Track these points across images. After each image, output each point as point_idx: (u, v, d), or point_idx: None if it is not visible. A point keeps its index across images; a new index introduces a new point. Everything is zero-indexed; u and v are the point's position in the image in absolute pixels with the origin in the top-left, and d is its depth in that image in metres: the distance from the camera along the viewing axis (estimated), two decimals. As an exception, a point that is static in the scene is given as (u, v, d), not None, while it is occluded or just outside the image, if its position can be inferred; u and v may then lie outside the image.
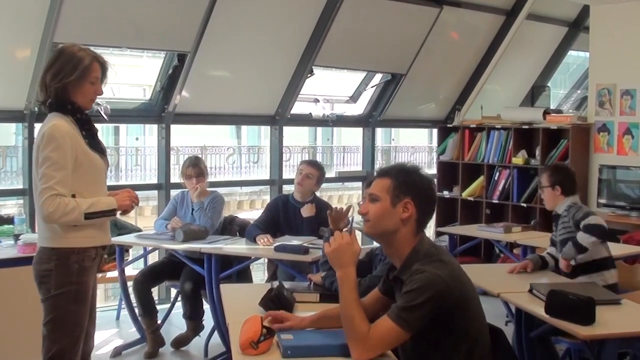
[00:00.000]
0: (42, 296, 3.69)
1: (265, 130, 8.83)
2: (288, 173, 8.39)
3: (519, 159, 8.38)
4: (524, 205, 8.36)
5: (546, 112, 8.40)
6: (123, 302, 6.55)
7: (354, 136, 11.01)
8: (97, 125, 3.92)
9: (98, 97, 3.89)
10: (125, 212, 3.94)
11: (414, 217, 3.00)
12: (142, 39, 6.77)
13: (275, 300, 3.57)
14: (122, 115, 7.41)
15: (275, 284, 3.81)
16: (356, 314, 2.93)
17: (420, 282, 2.85)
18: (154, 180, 8.04)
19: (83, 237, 3.68)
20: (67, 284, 3.64)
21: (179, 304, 6.29)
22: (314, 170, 6.19)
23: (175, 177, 7.26)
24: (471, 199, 8.90)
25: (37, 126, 6.55)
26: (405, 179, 3.04)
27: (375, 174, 3.17)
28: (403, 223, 3.00)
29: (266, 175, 8.63)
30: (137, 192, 3.99)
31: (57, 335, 3.68)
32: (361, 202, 3.14)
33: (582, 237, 4.86)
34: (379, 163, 13.52)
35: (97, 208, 3.66)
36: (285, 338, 3.05)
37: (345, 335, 2.94)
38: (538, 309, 3.95)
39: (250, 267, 6.27)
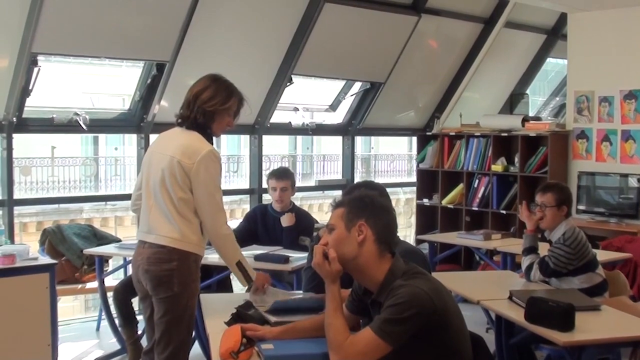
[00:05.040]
0: (162, 294, 3.90)
1: (245, 139, 8.81)
2: (266, 183, 8.39)
3: (498, 166, 8.41)
4: (504, 212, 8.40)
5: (525, 120, 8.44)
6: (103, 313, 6.53)
7: (333, 145, 11.02)
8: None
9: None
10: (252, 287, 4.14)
11: (371, 239, 3.00)
12: (120, 49, 6.74)
13: (239, 320, 3.52)
14: (101, 125, 7.38)
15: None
16: (333, 322, 2.93)
17: (405, 297, 2.84)
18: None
19: (199, 244, 3.99)
20: (189, 282, 3.93)
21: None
22: (287, 183, 6.11)
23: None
24: (451, 206, 8.92)
25: (16, 137, 6.52)
26: (356, 204, 3.07)
27: (331, 206, 3.20)
28: (360, 246, 3.00)
29: (246, 185, 8.61)
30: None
31: (177, 330, 3.94)
32: None
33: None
34: (359, 171, 13.55)
35: (247, 265, 4.06)
36: (266, 348, 3.05)
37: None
38: (518, 315, 3.97)
39: (231, 277, 6.24)
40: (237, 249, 4.01)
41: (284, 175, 6.17)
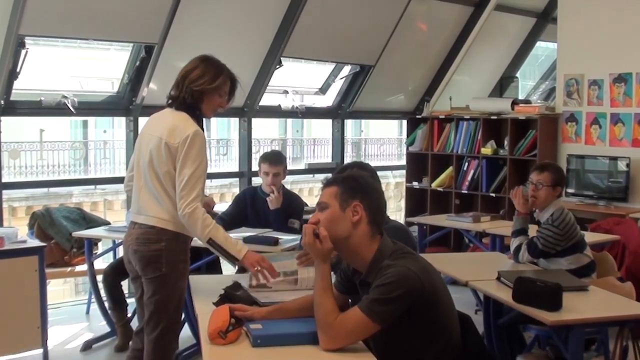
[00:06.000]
0: (151, 274, 3.89)
1: (234, 122, 8.79)
2: (257, 165, 8.40)
3: (487, 150, 8.42)
4: (493, 195, 8.41)
5: (514, 103, 8.45)
6: (93, 296, 6.53)
7: (324, 128, 11.03)
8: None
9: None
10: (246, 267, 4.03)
11: (365, 220, 3.01)
12: (108, 31, 6.70)
13: (227, 301, 3.51)
14: (90, 108, 7.33)
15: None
16: (323, 302, 2.93)
17: (394, 277, 2.86)
18: (123, 174, 7.98)
19: None
20: (177, 262, 3.92)
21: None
22: (280, 168, 6.03)
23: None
24: (440, 189, 8.93)
25: (4, 120, 6.49)
26: (351, 184, 3.07)
27: (322, 184, 3.19)
28: (354, 227, 3.00)
29: (235, 168, 8.59)
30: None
31: (167, 310, 3.93)
32: None
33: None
34: (349, 155, 13.55)
35: (223, 245, 3.85)
36: (255, 327, 3.05)
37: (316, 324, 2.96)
38: (506, 296, 3.97)
39: (220, 259, 6.24)
40: (205, 227, 3.82)
41: (277, 161, 6.08)
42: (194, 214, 3.79)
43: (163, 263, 3.86)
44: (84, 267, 6.53)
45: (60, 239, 6.71)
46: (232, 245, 3.87)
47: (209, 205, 4.34)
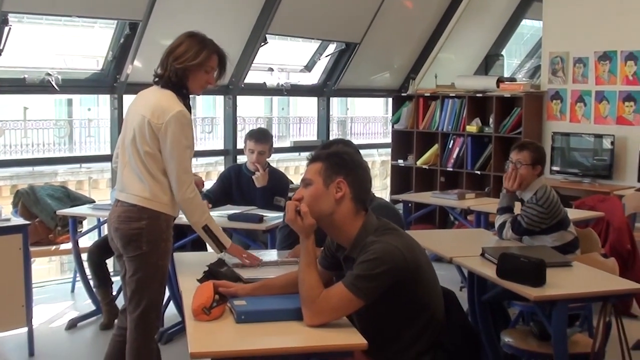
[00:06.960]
0: (132, 253, 3.87)
1: (219, 100, 8.75)
2: (242, 143, 8.39)
3: (472, 127, 8.44)
4: (478, 172, 8.44)
5: (500, 81, 8.46)
6: (78, 274, 6.51)
7: (309, 106, 11.00)
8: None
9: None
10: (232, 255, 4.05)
11: (348, 196, 3.02)
12: (92, 8, 6.65)
13: (211, 278, 3.50)
14: (74, 85, 7.28)
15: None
16: (307, 277, 2.94)
17: (378, 253, 2.87)
18: (108, 152, 7.96)
19: (170, 204, 3.89)
20: (159, 241, 3.88)
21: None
22: (265, 147, 6.03)
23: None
24: (426, 167, 8.96)
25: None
26: (335, 160, 3.06)
27: (307, 160, 3.19)
28: (337, 203, 3.01)
29: (220, 146, 8.57)
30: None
31: (148, 289, 3.90)
32: None
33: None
34: (335, 133, 13.53)
35: (216, 232, 3.95)
36: (239, 304, 3.05)
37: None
38: (490, 272, 3.98)
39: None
40: (203, 213, 3.92)
41: (262, 138, 6.07)
42: (196, 198, 3.87)
43: (143, 242, 3.83)
44: (68, 246, 6.48)
45: (44, 217, 6.67)
46: (221, 234, 3.97)
47: (197, 185, 4.31)
